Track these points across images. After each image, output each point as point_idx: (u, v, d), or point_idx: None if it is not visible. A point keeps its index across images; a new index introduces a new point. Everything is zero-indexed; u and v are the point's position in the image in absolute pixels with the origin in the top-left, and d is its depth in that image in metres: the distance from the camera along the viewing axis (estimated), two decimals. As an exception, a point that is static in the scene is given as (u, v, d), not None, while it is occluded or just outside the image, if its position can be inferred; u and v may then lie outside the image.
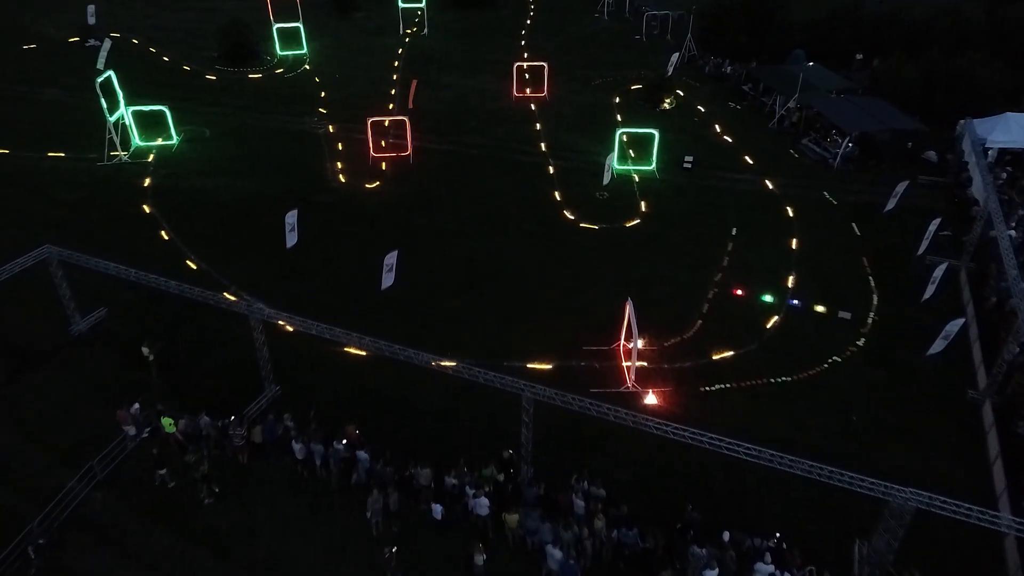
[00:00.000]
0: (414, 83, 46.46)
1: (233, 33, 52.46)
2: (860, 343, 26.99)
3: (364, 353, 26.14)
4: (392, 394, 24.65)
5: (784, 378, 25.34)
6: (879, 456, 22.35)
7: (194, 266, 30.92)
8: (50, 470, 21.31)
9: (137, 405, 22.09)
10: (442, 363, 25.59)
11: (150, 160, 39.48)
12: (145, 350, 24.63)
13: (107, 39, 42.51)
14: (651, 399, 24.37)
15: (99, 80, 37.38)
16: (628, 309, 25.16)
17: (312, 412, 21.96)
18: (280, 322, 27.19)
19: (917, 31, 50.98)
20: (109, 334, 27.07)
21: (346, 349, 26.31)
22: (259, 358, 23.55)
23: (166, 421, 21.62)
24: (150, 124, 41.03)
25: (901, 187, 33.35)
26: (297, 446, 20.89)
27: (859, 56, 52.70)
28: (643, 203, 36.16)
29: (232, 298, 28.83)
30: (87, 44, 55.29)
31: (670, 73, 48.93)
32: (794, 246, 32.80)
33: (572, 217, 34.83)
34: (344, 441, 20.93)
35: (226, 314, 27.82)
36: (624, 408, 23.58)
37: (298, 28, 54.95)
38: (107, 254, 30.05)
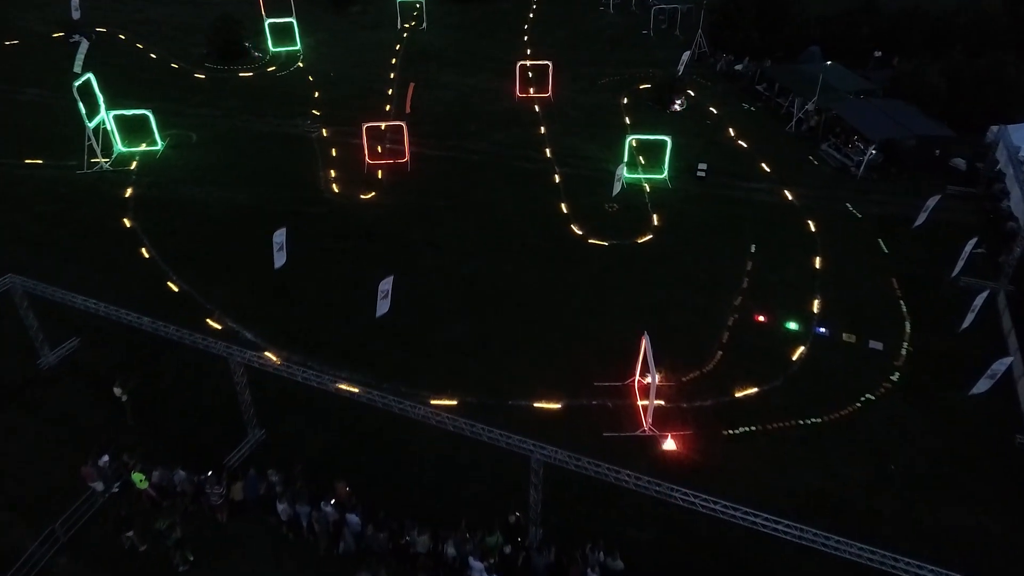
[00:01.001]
0: (411, 87, 44.17)
1: (223, 29, 50.01)
2: (894, 378, 24.95)
3: (356, 390, 24.14)
4: (387, 437, 22.56)
5: (813, 419, 23.32)
6: (923, 512, 20.45)
7: (176, 288, 28.82)
8: (8, 531, 19.30)
9: (106, 457, 20.04)
10: (442, 404, 23.80)
11: (133, 168, 37.23)
12: (117, 390, 22.55)
13: (84, 40, 40.18)
14: (669, 445, 22.36)
15: (76, 84, 35.12)
16: (644, 343, 23.09)
17: (299, 468, 19.91)
18: (269, 353, 25.54)
19: (938, 27, 48.60)
20: (81, 367, 24.97)
21: (337, 385, 24.30)
22: (241, 402, 21.48)
23: (137, 477, 19.60)
24: (134, 128, 38.80)
25: (932, 202, 31.14)
26: (281, 506, 18.89)
27: (877, 53, 50.27)
28: (655, 216, 34.03)
29: (216, 325, 27.01)
30: (71, 40, 52.71)
31: (680, 72, 46.60)
32: (818, 265, 30.70)
33: (580, 232, 32.70)
34: (333, 501, 18.91)
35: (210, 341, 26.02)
36: (641, 456, 22.00)
37: (291, 23, 52.52)
38: (83, 274, 28.64)
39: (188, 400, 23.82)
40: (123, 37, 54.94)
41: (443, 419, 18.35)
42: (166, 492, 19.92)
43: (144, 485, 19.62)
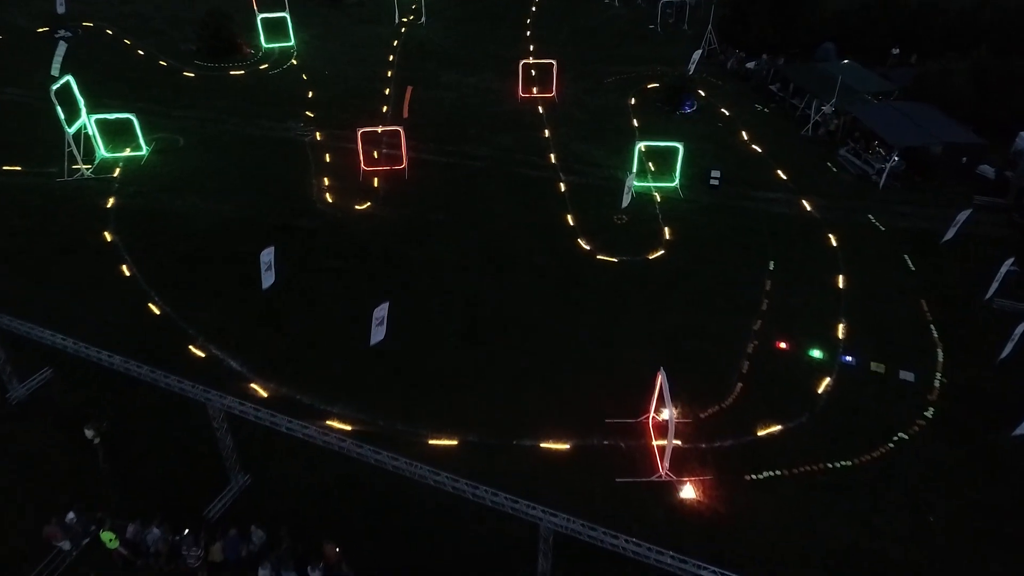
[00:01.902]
0: (409, 90, 42.15)
1: (212, 25, 47.87)
2: (928, 414, 23.18)
3: (349, 428, 22.45)
4: (381, 481, 20.59)
5: (843, 462, 21.56)
6: (968, 571, 18.70)
7: (157, 311, 26.97)
8: (-36, 599, 17.67)
9: (72, 514, 18.31)
10: (441, 443, 22.12)
11: (115, 175, 35.28)
12: (89, 432, 20.71)
13: (61, 43, 38.09)
14: (688, 492, 20.61)
15: (54, 88, 33.12)
16: (660, 380, 21.27)
17: (284, 529, 18.17)
18: (255, 385, 23.82)
19: (960, 24, 46.49)
20: (53, 402, 23.18)
21: (328, 422, 22.61)
22: (222, 449, 19.71)
23: (106, 536, 17.88)
24: (118, 131, 36.82)
25: (962, 216, 29.36)
26: (264, 572, 17.16)
27: (895, 51, 48.21)
28: (667, 229, 32.14)
29: (200, 353, 25.28)
30: (56, 35, 50.65)
31: (691, 72, 44.52)
32: (841, 284, 28.86)
33: (588, 247, 30.83)
34: (321, 565, 17.20)
35: (192, 372, 24.26)
36: (657, 505, 20.33)
37: (284, 18, 50.34)
38: (59, 296, 27.11)
39: (167, 439, 22.05)
40: (110, 32, 52.78)
41: (442, 479, 16.57)
42: (139, 551, 18.18)
43: (114, 545, 17.90)
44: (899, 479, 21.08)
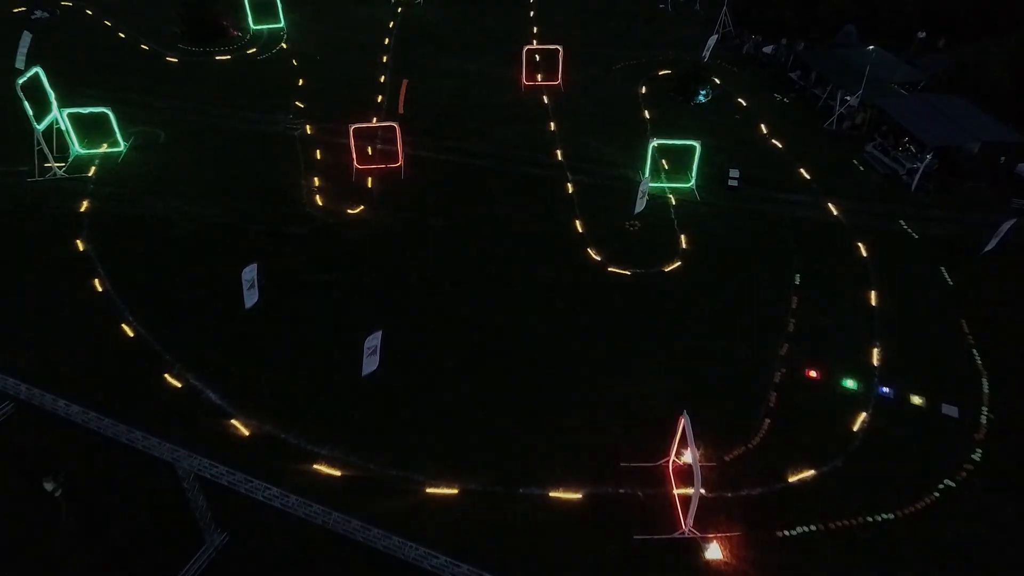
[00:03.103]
0: (404, 84, 39.46)
1: (196, 7, 45.01)
2: (976, 457, 21.08)
3: (339, 474, 20.41)
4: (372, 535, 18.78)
5: (885, 515, 19.51)
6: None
7: (131, 332, 24.74)
8: None
9: (26, 588, 16.33)
10: (440, 492, 20.06)
11: (91, 174, 32.85)
12: (49, 486, 18.68)
13: (26, 32, 35.31)
14: (714, 552, 18.56)
15: (20, 81, 30.54)
16: (683, 423, 19.15)
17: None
18: (235, 422, 21.68)
19: (998, 4, 43.64)
20: (13, 442, 21.02)
21: (315, 466, 20.57)
22: (194, 510, 17.61)
23: (62, 617, 15.88)
24: (94, 124, 34.25)
25: (1006, 226, 27.14)
26: (239, 660, 15.20)
27: (921, 34, 45.42)
28: (683, 237, 29.83)
29: (176, 383, 23.10)
30: (32, 16, 47.97)
31: (706, 59, 41.78)
32: (873, 302, 26.62)
33: (598, 258, 28.54)
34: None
35: (168, 404, 22.32)
36: (679, 567, 18.32)
37: (274, -2, 47.52)
38: (25, 316, 25.11)
39: (138, 486, 19.90)
40: (90, 12, 49.88)
41: (441, 562, 14.50)
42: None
43: (72, 625, 15.91)
44: (948, 536, 19.06)
